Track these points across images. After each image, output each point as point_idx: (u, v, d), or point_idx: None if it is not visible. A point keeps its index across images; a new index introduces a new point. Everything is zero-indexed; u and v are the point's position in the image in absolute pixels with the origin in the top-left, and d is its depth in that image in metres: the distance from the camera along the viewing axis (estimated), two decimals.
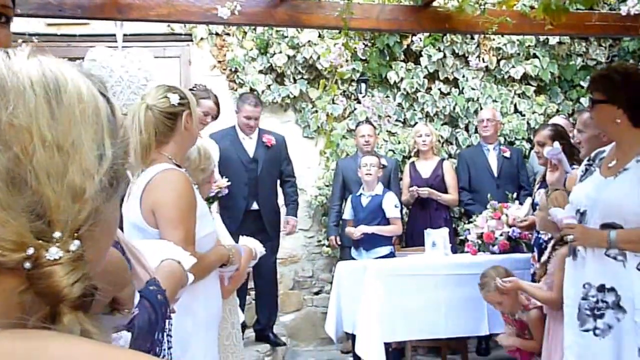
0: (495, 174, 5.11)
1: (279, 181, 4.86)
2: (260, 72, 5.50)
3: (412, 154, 5.37)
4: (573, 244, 2.55)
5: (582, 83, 5.66)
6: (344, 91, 5.59)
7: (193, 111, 2.10)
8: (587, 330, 2.48)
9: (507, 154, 5.15)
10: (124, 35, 4.17)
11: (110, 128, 0.61)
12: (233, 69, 5.49)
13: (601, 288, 2.45)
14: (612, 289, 2.42)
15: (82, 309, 0.55)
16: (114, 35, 4.13)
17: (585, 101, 5.52)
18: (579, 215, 2.55)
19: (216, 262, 2.22)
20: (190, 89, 3.68)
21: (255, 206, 4.69)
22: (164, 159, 2.05)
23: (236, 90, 5.51)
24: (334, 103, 5.25)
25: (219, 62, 5.50)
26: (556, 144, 3.06)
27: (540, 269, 3.13)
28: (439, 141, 5.46)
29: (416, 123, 5.48)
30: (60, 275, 0.53)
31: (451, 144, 5.75)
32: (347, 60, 5.35)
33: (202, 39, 5.45)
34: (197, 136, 2.19)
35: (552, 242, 3.15)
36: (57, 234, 0.54)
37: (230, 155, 4.59)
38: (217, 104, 3.97)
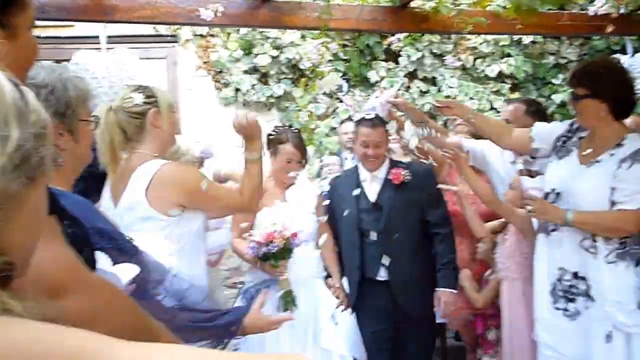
0: None
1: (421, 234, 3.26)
2: (245, 72, 5.62)
3: None
4: (530, 215, 2.64)
5: (554, 81, 5.84)
6: (326, 90, 5.73)
7: (162, 109, 2.16)
8: (558, 309, 2.56)
9: None
10: (110, 37, 4.23)
11: (17, 112, 0.62)
12: (218, 70, 5.61)
13: (575, 275, 2.52)
14: (583, 278, 2.49)
15: None
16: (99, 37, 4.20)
17: (557, 98, 5.72)
18: (554, 196, 2.59)
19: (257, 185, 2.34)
20: (270, 133, 3.38)
21: (383, 275, 3.21)
22: (148, 157, 2.11)
23: (221, 90, 5.62)
24: (316, 102, 5.37)
25: (204, 62, 5.61)
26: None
27: (489, 242, 3.17)
28: None
29: None
30: None
31: None
32: (329, 61, 5.49)
33: (187, 40, 5.57)
34: (175, 134, 2.25)
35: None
36: None
37: (342, 203, 3.30)
38: (297, 146, 3.26)
